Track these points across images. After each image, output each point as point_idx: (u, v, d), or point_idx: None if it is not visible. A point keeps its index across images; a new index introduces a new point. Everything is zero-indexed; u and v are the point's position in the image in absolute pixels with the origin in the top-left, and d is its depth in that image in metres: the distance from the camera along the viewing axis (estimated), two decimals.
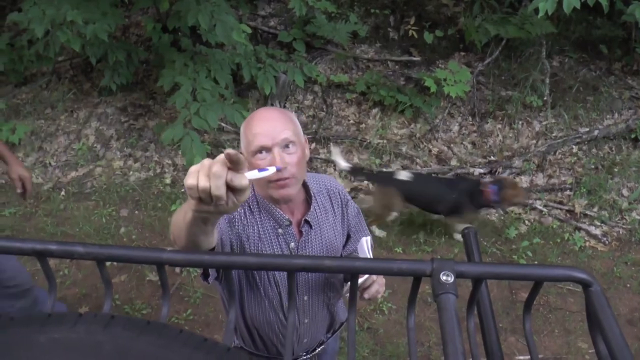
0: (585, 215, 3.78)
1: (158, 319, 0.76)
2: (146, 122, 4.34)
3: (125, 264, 2.87)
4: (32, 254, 0.75)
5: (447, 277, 0.69)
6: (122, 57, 4.01)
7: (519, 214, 3.78)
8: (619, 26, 4.65)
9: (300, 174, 1.28)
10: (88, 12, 3.21)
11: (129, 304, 2.94)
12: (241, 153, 1.29)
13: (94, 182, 3.98)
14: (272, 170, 0.80)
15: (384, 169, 4.01)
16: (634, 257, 3.49)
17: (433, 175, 3.88)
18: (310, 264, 0.75)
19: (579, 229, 3.68)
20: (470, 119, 4.47)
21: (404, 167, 4.10)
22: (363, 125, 4.36)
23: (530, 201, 3.81)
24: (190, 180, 0.72)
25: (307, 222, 1.36)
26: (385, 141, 4.21)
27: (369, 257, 1.33)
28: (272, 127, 1.22)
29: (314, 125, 4.34)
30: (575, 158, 4.19)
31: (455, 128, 4.43)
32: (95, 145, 4.24)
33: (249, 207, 1.33)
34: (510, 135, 4.36)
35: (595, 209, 3.83)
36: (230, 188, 0.72)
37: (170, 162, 4.13)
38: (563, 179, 4.05)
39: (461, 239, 3.31)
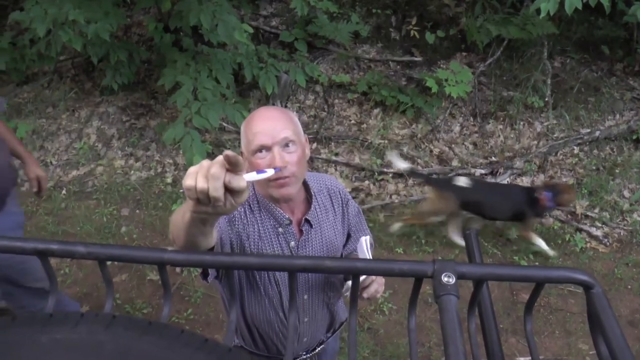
0: (587, 216, 3.78)
1: (159, 318, 0.76)
2: (147, 122, 4.35)
3: (126, 263, 2.87)
4: (33, 254, 0.75)
5: (448, 279, 0.69)
6: (123, 56, 4.01)
7: None
8: (621, 27, 4.65)
9: (301, 173, 1.28)
10: (90, 12, 3.21)
11: (129, 303, 2.94)
12: (242, 152, 1.30)
13: (95, 181, 3.99)
14: (270, 172, 0.80)
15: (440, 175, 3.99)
16: (635, 258, 3.48)
17: (489, 181, 3.88)
18: (312, 264, 0.75)
19: (580, 230, 3.67)
20: (471, 119, 4.47)
21: None
22: (364, 126, 4.36)
23: None
24: (188, 181, 0.72)
25: (307, 221, 1.37)
26: (386, 141, 4.21)
27: (368, 256, 1.33)
28: (272, 126, 1.22)
29: (315, 125, 4.34)
30: (577, 159, 4.18)
31: (457, 128, 4.43)
32: (96, 144, 4.25)
33: (249, 206, 1.33)
34: (512, 135, 4.36)
35: (597, 210, 3.82)
36: (229, 189, 0.72)
37: (171, 161, 4.13)
38: (564, 180, 4.05)
39: (536, 245, 3.36)
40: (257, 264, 0.76)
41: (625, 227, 3.72)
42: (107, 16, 3.31)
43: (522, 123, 4.39)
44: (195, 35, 4.15)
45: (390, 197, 3.92)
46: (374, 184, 4.03)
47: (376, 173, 4.04)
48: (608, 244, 3.60)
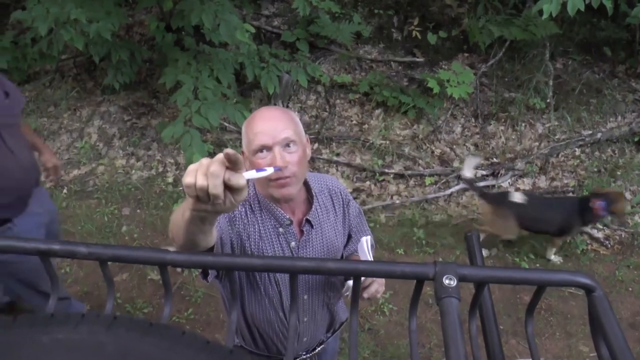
0: None
1: (159, 318, 0.76)
2: (149, 121, 4.35)
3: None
4: (35, 254, 0.75)
5: (449, 281, 0.68)
6: (125, 56, 4.01)
7: None
8: (623, 28, 4.64)
9: (301, 173, 1.28)
10: (92, 11, 3.22)
11: (130, 303, 2.94)
12: (243, 152, 1.30)
13: (96, 180, 3.99)
14: (270, 170, 0.81)
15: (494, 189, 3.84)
16: (636, 260, 3.48)
17: (543, 195, 3.79)
18: (314, 266, 0.75)
19: (582, 232, 3.67)
20: (473, 120, 4.47)
21: (406, 168, 4.11)
22: (366, 126, 4.36)
23: None
24: (188, 178, 0.72)
25: (308, 221, 1.36)
26: (387, 142, 4.21)
27: (368, 256, 1.33)
28: (273, 126, 1.22)
29: (316, 126, 4.33)
30: (578, 161, 4.18)
31: (458, 129, 4.42)
32: (97, 143, 4.25)
33: (250, 206, 1.33)
34: (513, 137, 4.35)
35: None
36: (228, 187, 0.72)
37: (172, 161, 4.14)
38: (566, 181, 4.04)
39: (555, 260, 3.34)
40: (259, 265, 0.76)
41: (626, 230, 3.71)
42: (109, 15, 3.32)
43: (523, 124, 4.38)
44: (197, 34, 4.15)
45: (392, 197, 3.92)
46: (375, 184, 4.03)
47: (377, 174, 4.04)
48: (609, 246, 3.59)
